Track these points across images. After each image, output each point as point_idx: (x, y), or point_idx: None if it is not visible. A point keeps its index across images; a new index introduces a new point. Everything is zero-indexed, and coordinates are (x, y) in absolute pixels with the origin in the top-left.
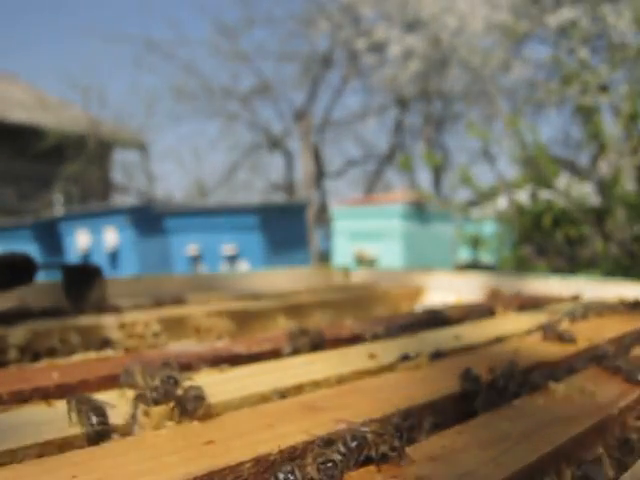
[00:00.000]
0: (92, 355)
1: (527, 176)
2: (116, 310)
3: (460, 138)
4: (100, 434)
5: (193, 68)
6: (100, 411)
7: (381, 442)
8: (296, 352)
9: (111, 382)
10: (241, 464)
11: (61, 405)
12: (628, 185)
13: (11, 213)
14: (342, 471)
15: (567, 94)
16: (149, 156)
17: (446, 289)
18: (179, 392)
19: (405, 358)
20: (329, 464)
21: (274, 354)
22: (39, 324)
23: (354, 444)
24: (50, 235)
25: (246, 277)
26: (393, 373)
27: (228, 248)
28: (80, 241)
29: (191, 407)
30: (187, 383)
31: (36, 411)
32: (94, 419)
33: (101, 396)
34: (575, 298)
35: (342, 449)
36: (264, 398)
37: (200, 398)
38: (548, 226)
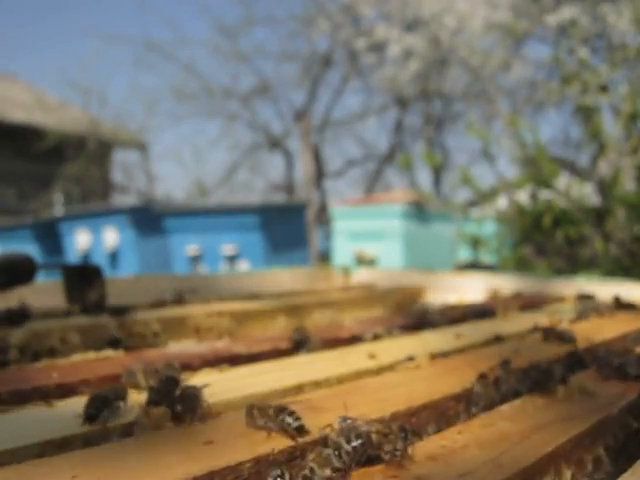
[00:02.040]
0: (92, 355)
1: (527, 176)
2: (117, 310)
3: (460, 138)
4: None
5: (193, 68)
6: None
7: (385, 442)
8: (310, 351)
9: (111, 382)
10: (241, 464)
11: (61, 405)
12: (628, 185)
13: (11, 213)
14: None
15: (567, 94)
16: (149, 156)
17: (446, 289)
18: (177, 393)
19: (409, 359)
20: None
21: (274, 354)
22: (39, 324)
23: (358, 443)
24: (50, 235)
25: (246, 277)
26: (393, 373)
27: (228, 248)
28: (80, 241)
29: (188, 408)
30: (184, 384)
31: (36, 411)
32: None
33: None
34: (586, 297)
35: (346, 448)
36: (264, 398)
37: (197, 399)
38: (548, 226)
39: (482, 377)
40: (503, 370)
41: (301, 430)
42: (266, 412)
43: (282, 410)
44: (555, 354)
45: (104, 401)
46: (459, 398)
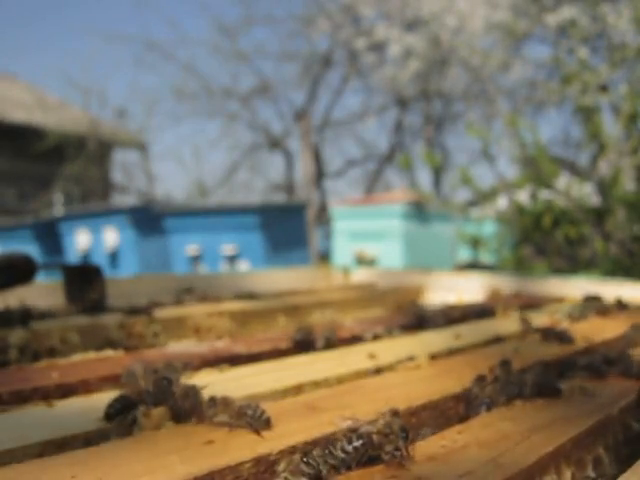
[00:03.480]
0: (92, 355)
1: (527, 176)
2: (116, 310)
3: (460, 138)
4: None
5: (193, 68)
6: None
7: (386, 442)
8: (329, 346)
9: (111, 382)
10: (241, 464)
11: (61, 405)
12: (628, 185)
13: (11, 213)
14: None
15: (567, 94)
16: (149, 156)
17: (446, 289)
18: (177, 393)
19: (409, 359)
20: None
21: (274, 354)
22: (39, 324)
23: (359, 443)
24: (50, 235)
25: (246, 277)
26: (393, 373)
27: (228, 248)
28: (80, 241)
29: (188, 407)
30: (184, 383)
31: (36, 411)
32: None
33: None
34: (592, 298)
35: (347, 448)
36: (264, 398)
37: (197, 398)
38: (548, 226)
39: (479, 379)
40: (502, 371)
41: (268, 423)
42: (230, 408)
43: (247, 406)
44: (552, 355)
45: (127, 404)
46: (459, 398)
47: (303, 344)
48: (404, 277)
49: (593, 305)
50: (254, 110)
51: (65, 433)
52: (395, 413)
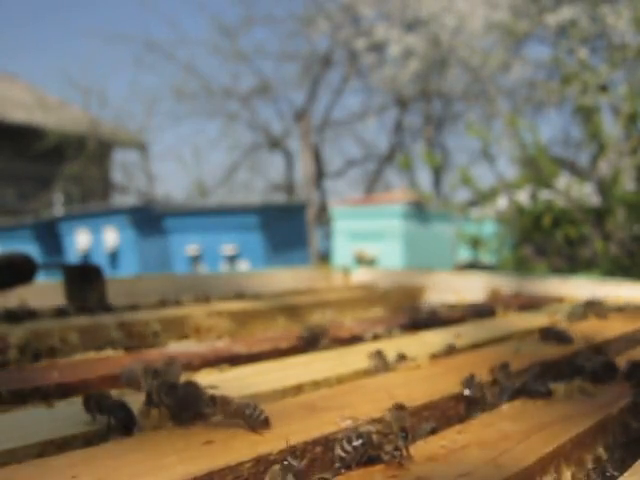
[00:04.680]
0: (92, 355)
1: (527, 176)
2: (116, 310)
3: (460, 138)
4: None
5: (193, 68)
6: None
7: (386, 442)
8: (324, 348)
9: (111, 382)
10: (241, 464)
11: (61, 405)
12: (628, 185)
13: (11, 213)
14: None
15: (567, 94)
16: (149, 156)
17: (446, 289)
18: (177, 393)
19: (409, 359)
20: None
21: (274, 354)
22: (39, 324)
23: (359, 443)
24: (50, 235)
25: (246, 277)
26: (393, 373)
27: (228, 248)
28: (80, 241)
29: (188, 407)
30: (184, 383)
31: (36, 411)
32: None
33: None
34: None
35: (347, 447)
36: (264, 398)
37: (197, 398)
38: (548, 226)
39: (470, 378)
40: (502, 373)
41: (267, 423)
42: (229, 408)
43: (245, 406)
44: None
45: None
46: (459, 398)
47: (310, 341)
48: (404, 277)
49: (593, 306)
50: (254, 110)
51: (65, 433)
52: (401, 407)
